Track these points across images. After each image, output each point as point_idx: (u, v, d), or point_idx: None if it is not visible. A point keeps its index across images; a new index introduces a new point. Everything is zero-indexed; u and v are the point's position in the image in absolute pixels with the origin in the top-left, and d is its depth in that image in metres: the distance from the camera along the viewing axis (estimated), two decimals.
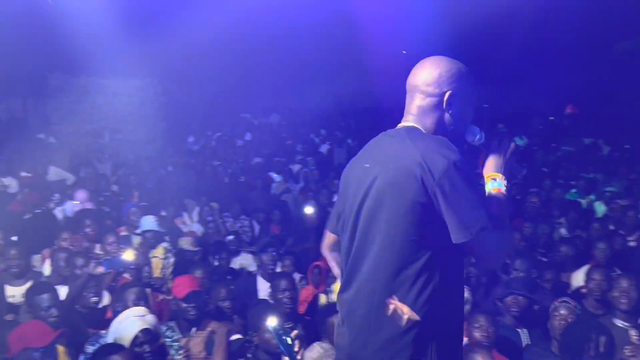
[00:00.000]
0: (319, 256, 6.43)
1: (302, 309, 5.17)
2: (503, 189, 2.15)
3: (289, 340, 3.07)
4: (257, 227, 7.93)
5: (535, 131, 13.32)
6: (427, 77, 2.16)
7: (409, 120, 2.20)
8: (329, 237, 2.52)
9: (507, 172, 2.21)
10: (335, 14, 11.18)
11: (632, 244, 6.36)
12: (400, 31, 11.11)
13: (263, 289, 5.61)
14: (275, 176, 10.44)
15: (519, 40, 11.99)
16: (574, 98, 15.42)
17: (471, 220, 1.95)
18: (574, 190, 9.38)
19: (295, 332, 3.13)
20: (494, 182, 2.17)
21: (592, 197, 9.02)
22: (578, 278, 5.27)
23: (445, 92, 2.14)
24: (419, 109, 2.18)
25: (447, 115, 2.17)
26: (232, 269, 6.40)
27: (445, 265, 2.03)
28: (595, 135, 13.80)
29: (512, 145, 2.25)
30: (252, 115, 15.17)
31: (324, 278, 5.77)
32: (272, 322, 3.18)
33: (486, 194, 2.16)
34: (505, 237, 2.09)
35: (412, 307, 1.99)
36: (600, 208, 8.20)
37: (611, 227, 6.98)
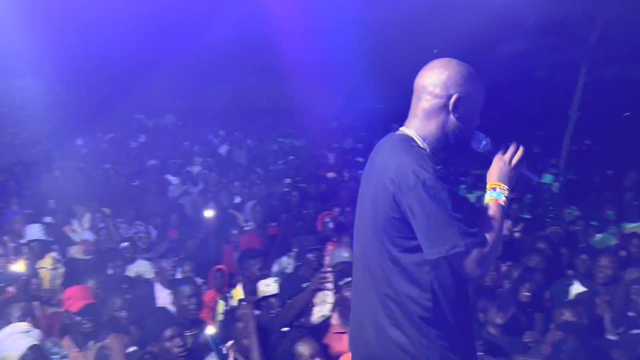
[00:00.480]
0: (219, 259, 6.32)
1: (206, 314, 5.04)
2: (501, 200, 2.07)
3: (224, 350, 3.00)
4: (153, 233, 7.66)
5: None
6: (435, 78, 2.10)
7: (409, 125, 2.15)
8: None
9: (514, 180, 2.13)
10: (234, 15, 11.05)
11: (517, 235, 6.74)
12: (300, 32, 11.17)
13: (162, 296, 5.41)
14: (172, 179, 10.15)
15: (423, 42, 12.41)
16: None
17: (440, 239, 1.93)
18: (463, 186, 9.84)
19: (230, 342, 3.05)
20: (493, 192, 2.10)
21: (480, 192, 9.52)
22: None
23: (452, 95, 2.08)
24: (424, 111, 2.11)
25: (452, 119, 2.10)
26: (128, 277, 6.13)
27: (438, 278, 2.02)
28: (487, 133, 14.61)
29: (520, 151, 2.16)
30: (146, 116, 14.66)
31: (226, 282, 5.67)
32: (210, 330, 3.08)
33: (483, 204, 2.10)
34: (488, 253, 1.99)
35: (405, 321, 2.01)
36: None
37: None
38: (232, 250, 6.73)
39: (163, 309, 4.74)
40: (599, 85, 11.70)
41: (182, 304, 4.52)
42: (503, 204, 2.07)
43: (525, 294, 4.67)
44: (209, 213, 6.60)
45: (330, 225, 6.68)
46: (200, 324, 4.39)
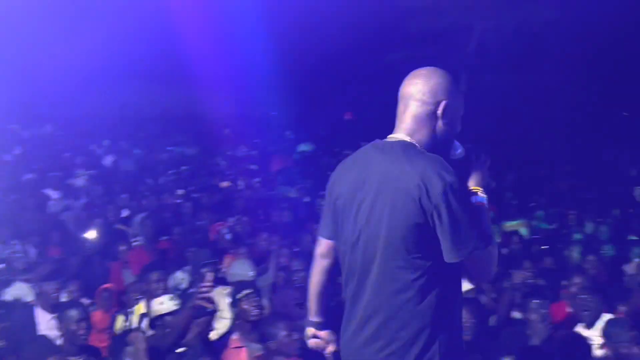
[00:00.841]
0: (106, 278, 5.96)
1: (95, 337, 4.70)
2: (485, 203, 2.16)
3: None
4: (32, 252, 7.09)
5: (321, 138, 14.03)
6: (422, 86, 2.16)
7: (401, 131, 2.17)
8: (322, 244, 2.42)
9: (485, 185, 2.21)
10: (118, 21, 10.56)
11: None
12: (189, 39, 10.88)
13: (44, 322, 4.99)
14: (52, 193, 9.48)
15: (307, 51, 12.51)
16: (352, 105, 16.60)
17: (465, 242, 2.00)
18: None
19: None
20: (476, 196, 2.16)
21: None
22: None
23: (441, 102, 2.15)
24: (414, 118, 2.16)
25: (440, 125, 2.16)
26: (5, 301, 5.61)
27: (443, 279, 2.07)
28: (369, 140, 15.04)
29: (488, 159, 2.28)
30: (21, 126, 13.61)
31: (115, 301, 5.34)
32: None
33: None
34: (492, 253, 2.09)
35: (416, 319, 2.05)
36: None
37: None
38: (120, 268, 6.39)
39: (44, 336, 4.37)
40: (478, 92, 12.42)
41: (70, 329, 4.17)
42: (487, 206, 2.17)
43: None
44: (91, 234, 6.22)
45: (227, 236, 6.53)
46: (89, 350, 4.08)
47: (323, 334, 2.47)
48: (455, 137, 2.25)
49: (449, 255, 2.01)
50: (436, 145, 2.16)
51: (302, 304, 3.75)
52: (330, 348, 2.46)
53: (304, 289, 2.88)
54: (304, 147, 12.73)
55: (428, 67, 2.22)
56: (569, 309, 4.81)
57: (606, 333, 3.94)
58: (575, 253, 6.36)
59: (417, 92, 2.15)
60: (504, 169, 13.38)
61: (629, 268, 6.10)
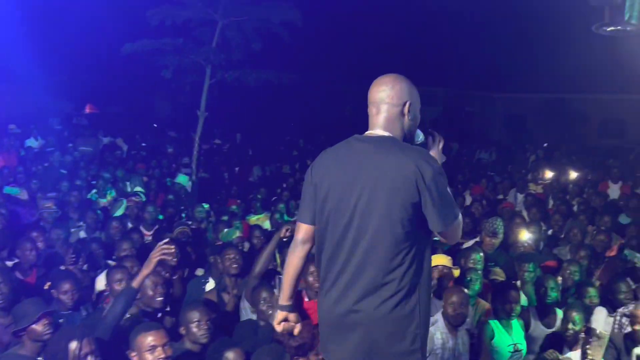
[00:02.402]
0: None
1: None
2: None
3: None
4: None
5: (53, 132, 12.68)
6: (390, 91, 2.61)
7: (378, 128, 2.61)
8: (303, 229, 2.69)
9: (441, 161, 2.70)
10: None
11: (148, 239, 6.54)
12: None
13: None
14: None
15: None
16: (92, 97, 15.41)
17: (449, 215, 2.50)
18: (94, 191, 9.23)
19: None
20: None
21: (113, 193, 9.07)
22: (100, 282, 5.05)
23: (406, 102, 2.61)
24: (386, 119, 2.61)
25: (406, 120, 2.63)
26: None
27: (424, 246, 2.57)
28: (114, 134, 14.15)
29: (442, 139, 2.79)
30: None
31: None
32: None
33: None
34: (461, 221, 2.59)
35: (405, 280, 2.49)
36: (120, 206, 8.22)
37: (130, 225, 7.06)
38: None
39: None
40: (223, 87, 12.44)
41: None
42: None
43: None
44: None
45: None
46: None
47: (292, 316, 2.77)
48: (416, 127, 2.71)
49: (436, 225, 2.49)
50: (405, 136, 2.64)
51: None
52: (298, 329, 2.79)
53: None
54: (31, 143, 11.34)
55: (390, 75, 2.67)
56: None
57: None
58: None
59: (386, 97, 2.61)
60: (251, 164, 13.68)
61: None
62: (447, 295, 4.30)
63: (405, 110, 2.61)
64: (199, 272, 5.76)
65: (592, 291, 5.03)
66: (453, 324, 4.26)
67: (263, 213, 8.46)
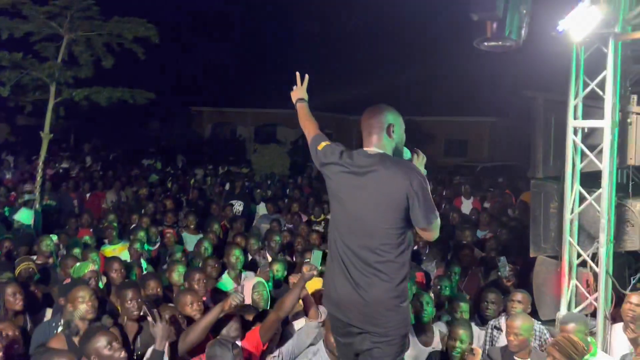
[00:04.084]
0: None
1: None
2: None
3: None
4: None
5: None
6: (378, 117, 3.27)
7: (373, 146, 3.25)
8: None
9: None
10: None
11: None
12: None
13: None
14: None
15: None
16: None
17: (432, 214, 3.09)
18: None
19: None
20: None
21: None
22: None
23: (390, 125, 3.26)
24: (378, 140, 3.25)
25: (393, 139, 3.27)
26: None
27: (409, 243, 3.20)
28: None
29: (424, 157, 3.35)
30: None
31: None
32: None
33: None
34: (439, 221, 3.16)
35: (397, 268, 3.15)
36: None
37: None
38: None
39: None
40: (71, 107, 11.47)
41: None
42: None
43: None
44: None
45: None
46: None
47: None
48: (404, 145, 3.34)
49: (421, 223, 3.07)
50: (393, 152, 3.25)
51: None
52: None
53: None
54: None
55: (377, 105, 3.32)
56: None
57: None
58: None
59: (376, 122, 3.25)
60: (103, 189, 12.70)
61: None
62: (329, 322, 4.09)
63: (391, 131, 3.23)
64: (47, 314, 5.06)
65: (463, 306, 5.10)
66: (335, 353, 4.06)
67: (120, 242, 7.75)
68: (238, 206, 10.58)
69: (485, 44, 3.72)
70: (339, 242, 3.19)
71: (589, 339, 4.25)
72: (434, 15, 26.15)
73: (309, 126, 3.71)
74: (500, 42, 3.66)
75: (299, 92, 3.95)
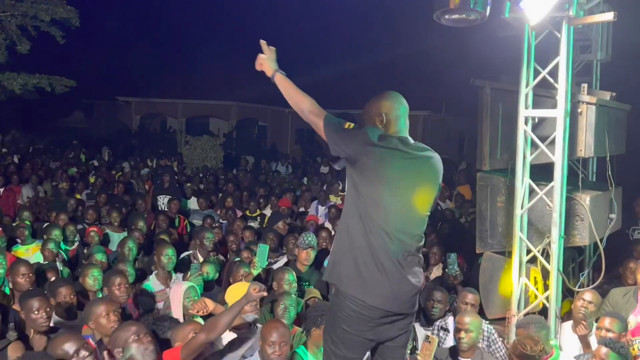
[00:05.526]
0: None
1: None
2: None
3: None
4: None
5: None
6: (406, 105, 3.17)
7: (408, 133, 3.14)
8: None
9: None
10: None
11: None
12: None
13: None
14: None
15: None
16: None
17: None
18: None
19: None
20: None
21: None
22: None
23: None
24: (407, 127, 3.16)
25: None
26: None
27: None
28: None
29: None
30: None
31: None
32: None
33: None
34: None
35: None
36: None
37: None
38: None
39: None
40: None
41: None
42: None
43: None
44: None
45: None
46: None
47: None
48: None
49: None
50: None
51: None
52: None
53: None
54: None
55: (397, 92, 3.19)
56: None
57: None
58: None
59: (406, 109, 3.15)
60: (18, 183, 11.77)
61: None
62: (265, 333, 3.66)
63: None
64: None
65: None
66: None
67: (34, 242, 7.03)
68: (165, 200, 9.96)
69: (447, 17, 3.38)
70: (386, 230, 2.89)
71: (552, 342, 4.05)
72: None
73: (305, 100, 3.05)
74: (464, 15, 3.33)
75: (269, 63, 3.16)
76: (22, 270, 4.95)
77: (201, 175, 14.74)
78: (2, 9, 9.78)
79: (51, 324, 4.20)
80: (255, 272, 5.30)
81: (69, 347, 3.34)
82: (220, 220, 9.03)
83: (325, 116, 2.97)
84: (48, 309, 4.08)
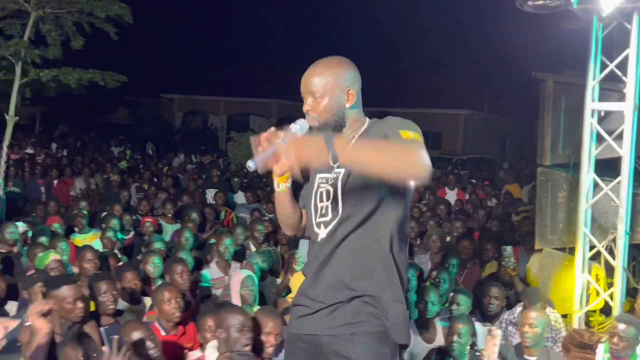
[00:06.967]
0: None
1: None
2: None
3: None
4: None
5: None
6: None
7: None
8: None
9: None
10: None
11: None
12: None
13: None
14: None
15: None
16: None
17: None
18: None
19: None
20: None
21: None
22: None
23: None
24: None
25: None
26: None
27: None
28: None
29: None
30: None
31: None
32: None
33: None
34: None
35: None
36: None
37: None
38: None
39: None
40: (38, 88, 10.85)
41: None
42: None
43: None
44: None
45: None
46: None
47: None
48: None
49: None
50: None
51: None
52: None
53: None
54: None
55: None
56: None
57: None
58: None
59: None
60: (72, 176, 12.12)
61: None
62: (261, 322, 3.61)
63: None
64: (11, 307, 4.59)
65: (464, 300, 4.77)
66: None
67: (91, 231, 7.25)
68: (213, 194, 10.15)
69: (530, 3, 3.35)
70: None
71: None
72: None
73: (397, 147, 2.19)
74: (547, 1, 3.30)
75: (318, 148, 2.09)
76: (89, 256, 5.13)
77: (245, 170, 14.91)
78: (60, 5, 10.06)
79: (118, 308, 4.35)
80: (298, 268, 5.36)
81: (137, 335, 3.38)
82: (268, 214, 9.13)
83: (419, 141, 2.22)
84: (114, 292, 4.22)
